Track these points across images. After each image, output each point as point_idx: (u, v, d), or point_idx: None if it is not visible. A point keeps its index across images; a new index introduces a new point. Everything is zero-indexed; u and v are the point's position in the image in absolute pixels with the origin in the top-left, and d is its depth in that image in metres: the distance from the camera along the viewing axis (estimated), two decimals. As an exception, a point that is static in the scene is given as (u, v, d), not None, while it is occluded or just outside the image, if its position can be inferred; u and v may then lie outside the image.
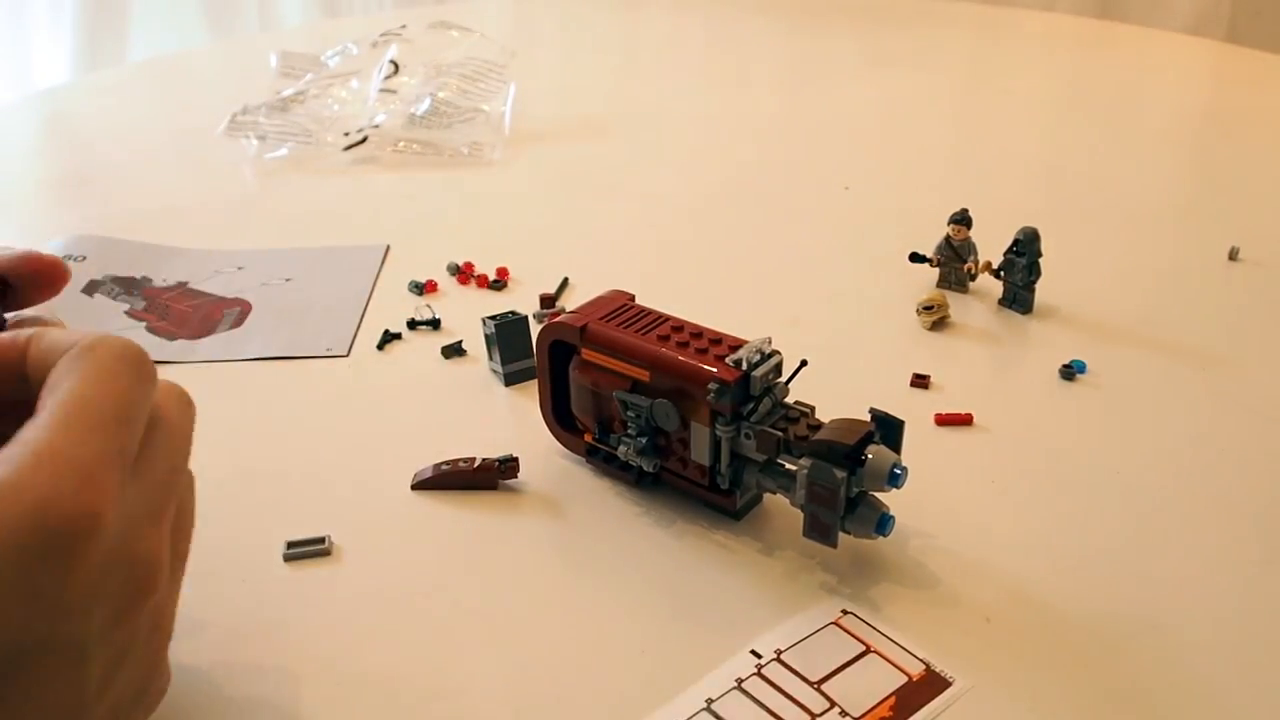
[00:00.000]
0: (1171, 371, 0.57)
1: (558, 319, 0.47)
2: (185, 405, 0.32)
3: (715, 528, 0.45)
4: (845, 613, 0.41)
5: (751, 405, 0.43)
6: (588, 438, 0.48)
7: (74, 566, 0.26)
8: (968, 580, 0.43)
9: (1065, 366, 0.56)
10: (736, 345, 0.44)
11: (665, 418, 0.44)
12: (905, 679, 0.38)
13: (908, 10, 1.35)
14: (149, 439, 0.29)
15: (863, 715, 0.37)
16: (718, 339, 0.45)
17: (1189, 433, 0.52)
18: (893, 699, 0.37)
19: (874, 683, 0.38)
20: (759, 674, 0.38)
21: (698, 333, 0.45)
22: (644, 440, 0.45)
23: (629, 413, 0.45)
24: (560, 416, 0.49)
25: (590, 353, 0.46)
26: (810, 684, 0.38)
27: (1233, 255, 0.69)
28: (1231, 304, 0.65)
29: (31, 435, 0.26)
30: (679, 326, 0.46)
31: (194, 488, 0.34)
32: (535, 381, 0.50)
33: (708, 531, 0.45)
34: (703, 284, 0.67)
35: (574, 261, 0.69)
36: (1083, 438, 0.52)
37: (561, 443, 0.50)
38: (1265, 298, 0.65)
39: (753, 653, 0.39)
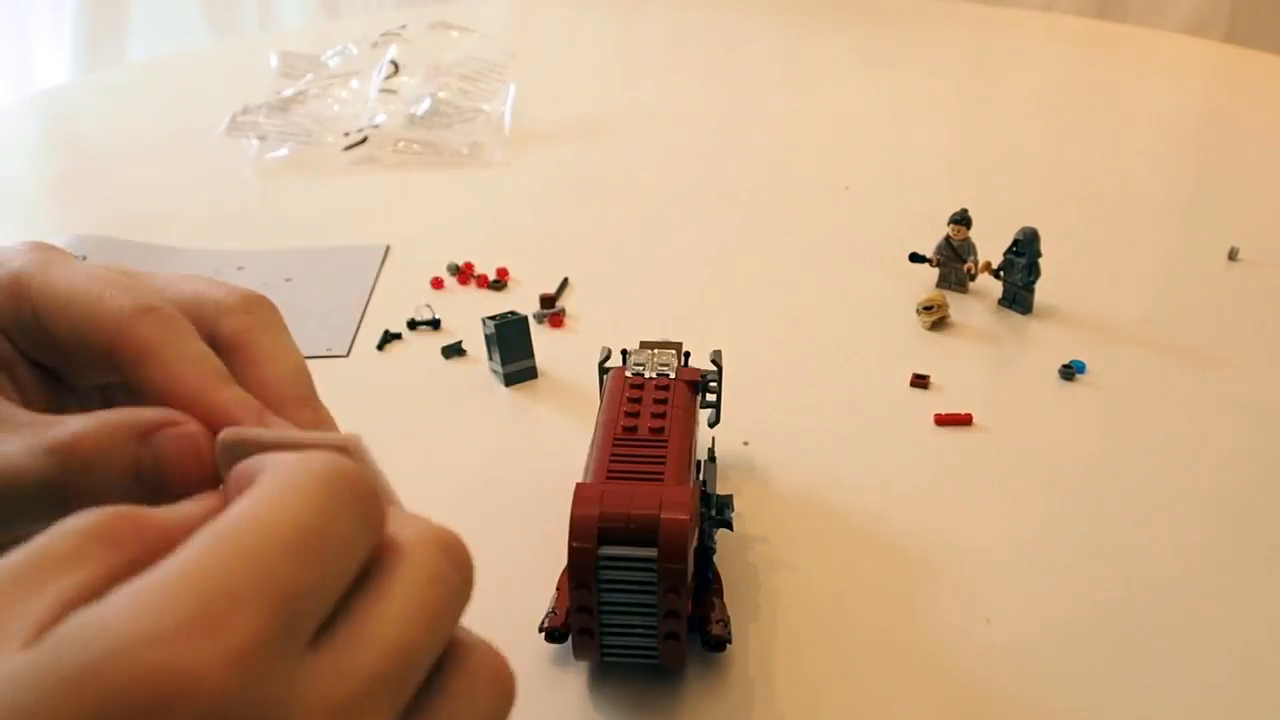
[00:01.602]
0: (1171, 371, 0.57)
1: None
2: (454, 562, 0.23)
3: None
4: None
5: None
6: None
7: None
8: (968, 580, 0.43)
9: (1065, 366, 0.57)
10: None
11: None
12: None
13: (907, 10, 1.35)
14: (366, 601, 0.20)
15: None
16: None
17: (1189, 433, 0.52)
18: None
19: None
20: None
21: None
22: None
23: None
24: None
25: None
26: None
27: (1232, 255, 0.69)
28: (1231, 304, 0.65)
29: (161, 570, 0.18)
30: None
31: (494, 698, 0.23)
32: (535, 381, 0.50)
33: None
34: (703, 284, 0.67)
35: (574, 261, 0.69)
36: (1083, 438, 0.52)
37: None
38: (1265, 298, 0.65)
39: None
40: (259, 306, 0.28)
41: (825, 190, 0.82)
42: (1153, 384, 0.56)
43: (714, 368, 0.46)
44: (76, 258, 0.30)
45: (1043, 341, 0.60)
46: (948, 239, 0.64)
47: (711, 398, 0.47)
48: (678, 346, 0.46)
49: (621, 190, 0.83)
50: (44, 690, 0.17)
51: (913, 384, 0.56)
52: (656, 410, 0.41)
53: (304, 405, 0.28)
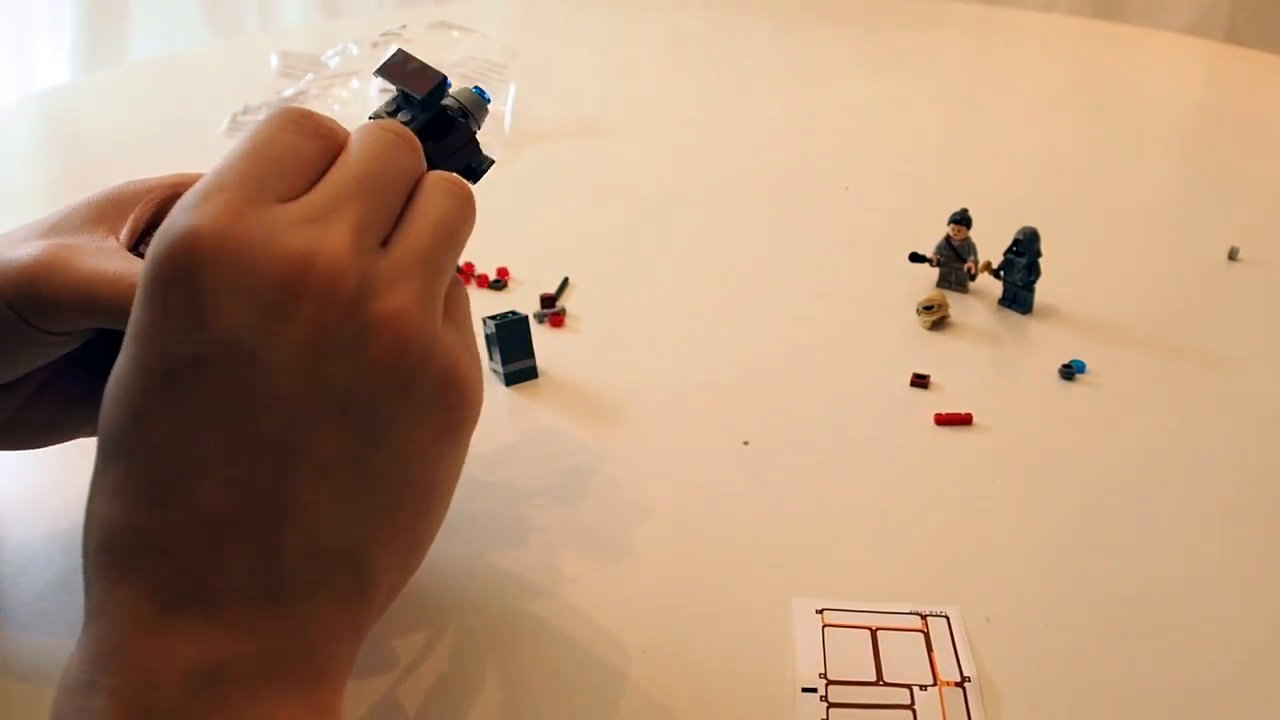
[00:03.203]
0: (1171, 372, 0.57)
1: None
2: (464, 201, 0.33)
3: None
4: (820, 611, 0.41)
5: None
6: None
7: (191, 283, 0.26)
8: (967, 580, 0.43)
9: (1065, 366, 0.57)
10: None
11: None
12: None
13: (907, 10, 1.35)
14: (408, 213, 0.31)
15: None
16: None
17: (1189, 433, 0.52)
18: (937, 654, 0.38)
19: (910, 651, 0.38)
20: (833, 706, 0.37)
21: None
22: None
23: None
24: None
25: None
26: (875, 684, 0.37)
27: (1232, 255, 0.69)
28: (1231, 304, 0.65)
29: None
30: None
31: (467, 302, 0.34)
32: (535, 382, 0.50)
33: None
34: (703, 284, 0.67)
35: (574, 261, 0.69)
36: (1083, 438, 0.52)
37: None
38: (1265, 298, 0.65)
39: (805, 690, 0.37)
40: None
41: (825, 190, 0.82)
42: (1153, 384, 0.56)
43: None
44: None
45: (1043, 341, 0.60)
46: (948, 239, 0.64)
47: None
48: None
49: (621, 190, 0.83)
50: (141, 278, 0.27)
51: (913, 384, 0.56)
52: None
53: None
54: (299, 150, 0.30)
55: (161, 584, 0.26)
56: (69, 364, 0.38)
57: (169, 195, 0.40)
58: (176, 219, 0.27)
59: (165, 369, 0.26)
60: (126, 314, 0.29)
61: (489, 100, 0.40)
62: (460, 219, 0.33)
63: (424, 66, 0.38)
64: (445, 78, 0.38)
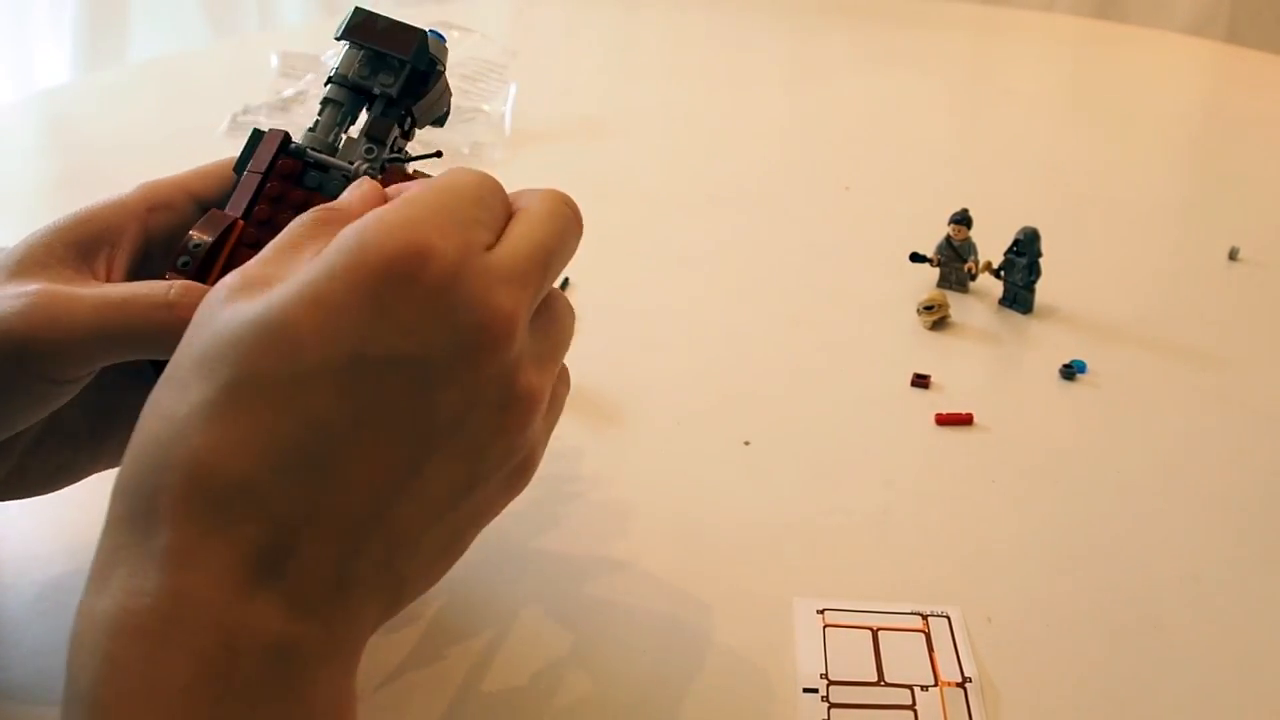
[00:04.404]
0: (1171, 372, 0.57)
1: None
2: (568, 203, 0.34)
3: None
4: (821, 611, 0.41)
5: None
6: None
7: (411, 293, 0.27)
8: (968, 580, 0.43)
9: (1065, 366, 0.57)
10: None
11: None
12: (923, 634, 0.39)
13: (907, 10, 1.35)
14: (550, 303, 0.33)
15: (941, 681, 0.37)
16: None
17: (1189, 433, 0.52)
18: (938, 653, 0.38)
19: (911, 651, 0.38)
20: (834, 706, 0.37)
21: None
22: None
23: None
24: None
25: None
26: (876, 685, 0.37)
27: (1233, 255, 0.69)
28: (1232, 304, 0.65)
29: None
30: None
31: (568, 381, 0.35)
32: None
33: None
34: (703, 283, 0.67)
35: (574, 261, 0.69)
36: (1083, 438, 0.52)
37: None
38: (1265, 298, 0.65)
39: (806, 690, 0.37)
40: None
41: (825, 190, 0.82)
42: (1153, 384, 0.56)
43: None
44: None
45: (1043, 341, 0.60)
46: (948, 239, 0.64)
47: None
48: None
49: (621, 190, 0.83)
50: (341, 259, 0.28)
51: (913, 384, 0.56)
52: None
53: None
54: (494, 208, 0.32)
55: (258, 551, 0.26)
56: (68, 405, 0.36)
57: (149, 219, 0.39)
58: (408, 226, 0.28)
59: (352, 353, 0.27)
60: (146, 340, 0.29)
61: (444, 39, 0.39)
62: (567, 246, 0.34)
63: (394, 23, 0.37)
64: (424, 30, 0.37)
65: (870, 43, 1.24)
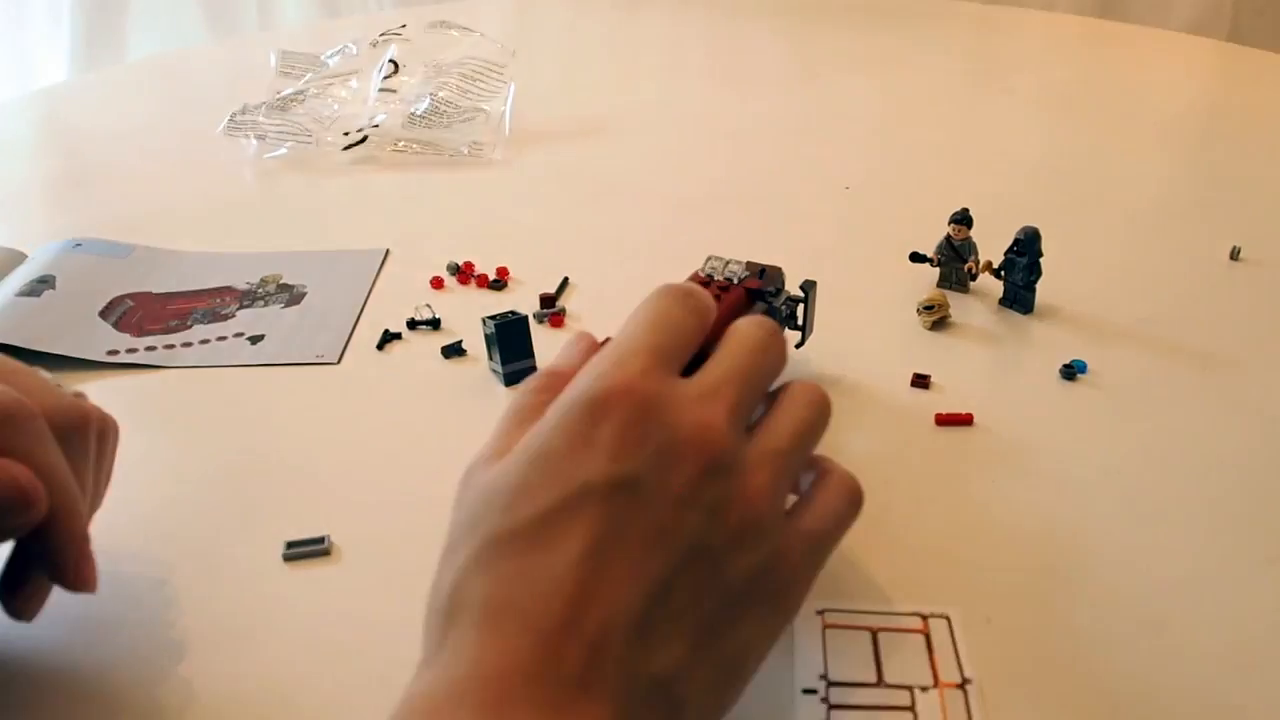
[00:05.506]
0: (1172, 371, 0.57)
1: None
2: (822, 409, 0.38)
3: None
4: (821, 612, 0.41)
5: None
6: None
7: (611, 419, 0.33)
8: (967, 581, 0.43)
9: (1066, 366, 0.56)
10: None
11: None
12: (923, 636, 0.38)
13: (908, 9, 1.35)
14: (775, 413, 0.37)
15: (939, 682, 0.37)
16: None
17: (1189, 433, 0.52)
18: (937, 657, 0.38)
19: (911, 652, 0.38)
20: (833, 707, 0.37)
21: None
22: None
23: None
24: None
25: None
26: (875, 685, 0.37)
27: (1234, 255, 0.69)
28: (1233, 304, 0.65)
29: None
30: None
31: (825, 509, 0.38)
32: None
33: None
34: (703, 284, 0.67)
35: (574, 261, 0.69)
36: (1084, 438, 0.52)
37: None
38: (1266, 298, 0.65)
39: (805, 691, 0.37)
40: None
41: (825, 190, 0.82)
42: (1154, 384, 0.56)
43: (801, 294, 0.55)
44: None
45: (1044, 341, 0.60)
46: (948, 239, 0.64)
47: (782, 314, 0.54)
48: (778, 270, 0.53)
49: (621, 190, 0.83)
50: (556, 415, 0.34)
51: (913, 384, 0.56)
52: None
53: None
54: (687, 327, 0.38)
55: (524, 658, 0.29)
56: None
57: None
58: (606, 373, 0.34)
59: (580, 487, 0.32)
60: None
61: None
62: (817, 425, 0.38)
63: (758, 267, 0.51)
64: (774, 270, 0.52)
65: (870, 42, 1.24)
